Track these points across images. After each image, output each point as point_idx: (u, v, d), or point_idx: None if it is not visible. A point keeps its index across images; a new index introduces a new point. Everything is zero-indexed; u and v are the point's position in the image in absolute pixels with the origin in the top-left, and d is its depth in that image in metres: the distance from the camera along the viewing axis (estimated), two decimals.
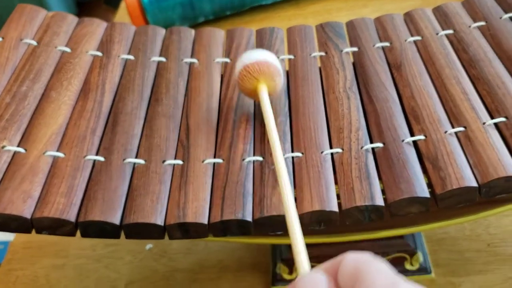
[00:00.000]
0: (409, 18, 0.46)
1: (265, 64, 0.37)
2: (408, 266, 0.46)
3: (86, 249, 0.54)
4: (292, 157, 0.36)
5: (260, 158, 0.36)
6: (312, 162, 0.35)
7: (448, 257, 0.47)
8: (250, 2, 0.83)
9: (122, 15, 0.89)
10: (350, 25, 0.47)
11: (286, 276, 0.47)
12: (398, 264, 0.46)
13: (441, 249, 0.48)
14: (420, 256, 0.46)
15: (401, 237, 0.46)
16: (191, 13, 0.82)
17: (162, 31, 0.48)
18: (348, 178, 0.33)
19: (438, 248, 0.48)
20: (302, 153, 0.36)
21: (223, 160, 0.36)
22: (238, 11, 0.84)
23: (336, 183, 0.34)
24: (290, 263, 0.47)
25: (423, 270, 0.46)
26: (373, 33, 0.45)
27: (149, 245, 0.53)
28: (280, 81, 0.38)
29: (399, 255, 0.46)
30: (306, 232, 0.37)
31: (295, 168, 0.35)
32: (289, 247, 0.47)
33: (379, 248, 0.46)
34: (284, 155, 0.35)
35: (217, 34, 0.48)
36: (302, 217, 0.32)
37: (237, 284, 0.49)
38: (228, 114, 0.40)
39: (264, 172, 0.35)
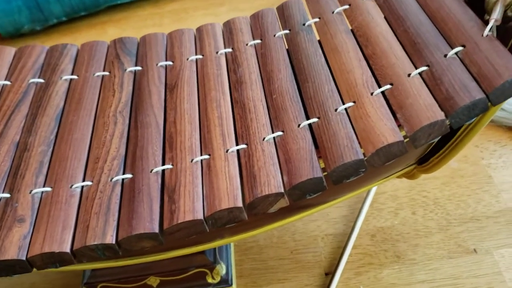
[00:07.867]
0: (199, 34, 0.45)
1: None
2: (209, 280, 0.47)
3: None
4: (42, 193, 0.35)
5: (7, 195, 0.35)
6: (57, 198, 0.34)
7: (252, 267, 0.48)
8: (105, 1, 0.80)
9: None
10: (142, 41, 0.46)
11: None
12: (200, 279, 0.46)
13: (247, 259, 0.49)
14: (221, 269, 0.47)
15: (202, 252, 0.46)
16: (40, 15, 0.78)
17: None
18: (88, 215, 0.33)
19: (244, 258, 0.49)
20: (51, 188, 0.35)
21: None
22: (93, 11, 0.81)
23: (77, 220, 0.33)
24: (93, 286, 0.46)
25: (224, 282, 0.47)
26: (161, 50, 0.44)
27: None
28: None
29: (199, 270, 0.46)
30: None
31: (41, 205, 0.34)
32: (91, 272, 0.46)
33: (182, 264, 0.46)
34: (31, 192, 0.34)
35: (6, 53, 0.45)
36: (32, 260, 0.32)
37: None
38: None
39: (6, 211, 0.34)
